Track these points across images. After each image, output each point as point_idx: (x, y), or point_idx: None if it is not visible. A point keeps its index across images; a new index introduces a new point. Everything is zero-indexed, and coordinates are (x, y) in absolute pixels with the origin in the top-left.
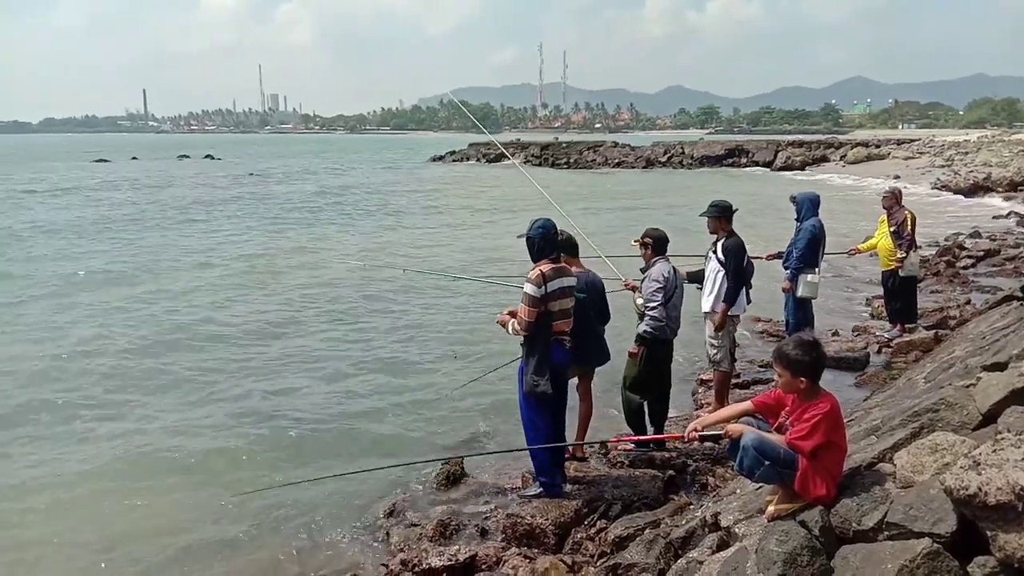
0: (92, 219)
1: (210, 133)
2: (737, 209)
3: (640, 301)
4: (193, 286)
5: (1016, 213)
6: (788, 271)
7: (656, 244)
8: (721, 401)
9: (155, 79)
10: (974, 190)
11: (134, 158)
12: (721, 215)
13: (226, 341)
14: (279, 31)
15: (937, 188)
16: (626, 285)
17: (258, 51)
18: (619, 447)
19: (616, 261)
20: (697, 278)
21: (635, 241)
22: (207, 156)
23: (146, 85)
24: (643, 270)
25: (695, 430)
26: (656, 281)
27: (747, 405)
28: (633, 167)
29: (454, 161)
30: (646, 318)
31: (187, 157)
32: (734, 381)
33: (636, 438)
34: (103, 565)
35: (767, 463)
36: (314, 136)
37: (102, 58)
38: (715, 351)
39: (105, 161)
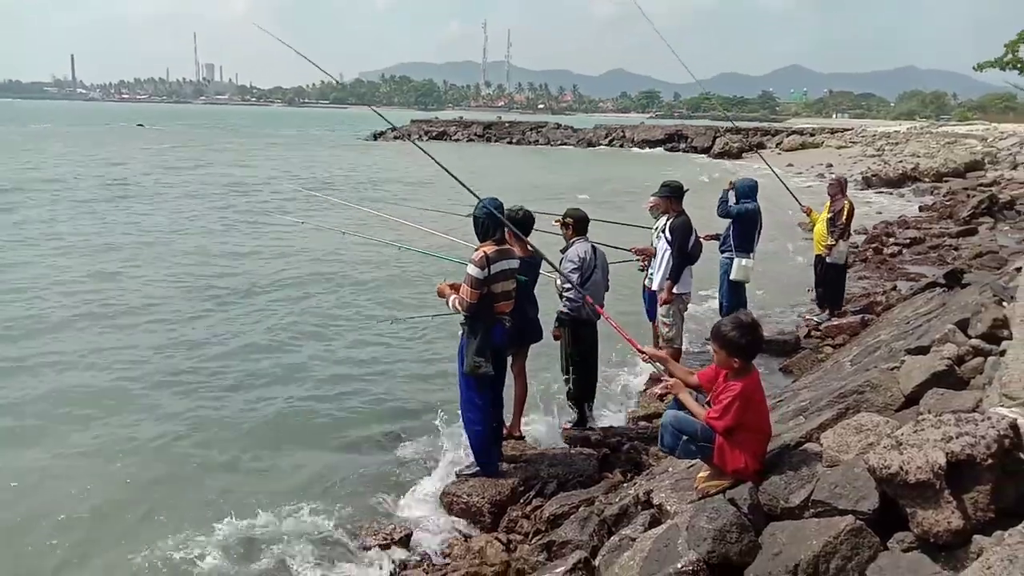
0: None
1: (142, 103)
2: (688, 189)
3: (559, 282)
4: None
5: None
6: (722, 254)
7: (576, 224)
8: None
9: (84, 45)
10: (903, 180)
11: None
12: (672, 195)
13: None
14: None
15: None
16: (633, 251)
17: (193, 18)
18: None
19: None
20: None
21: (556, 221)
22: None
23: (75, 50)
24: (563, 251)
25: (654, 355)
26: (572, 262)
27: (695, 379)
28: (575, 148)
29: (396, 138)
30: (563, 299)
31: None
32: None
33: (602, 311)
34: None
35: (685, 438)
36: (252, 109)
37: (26, 21)
38: (667, 329)
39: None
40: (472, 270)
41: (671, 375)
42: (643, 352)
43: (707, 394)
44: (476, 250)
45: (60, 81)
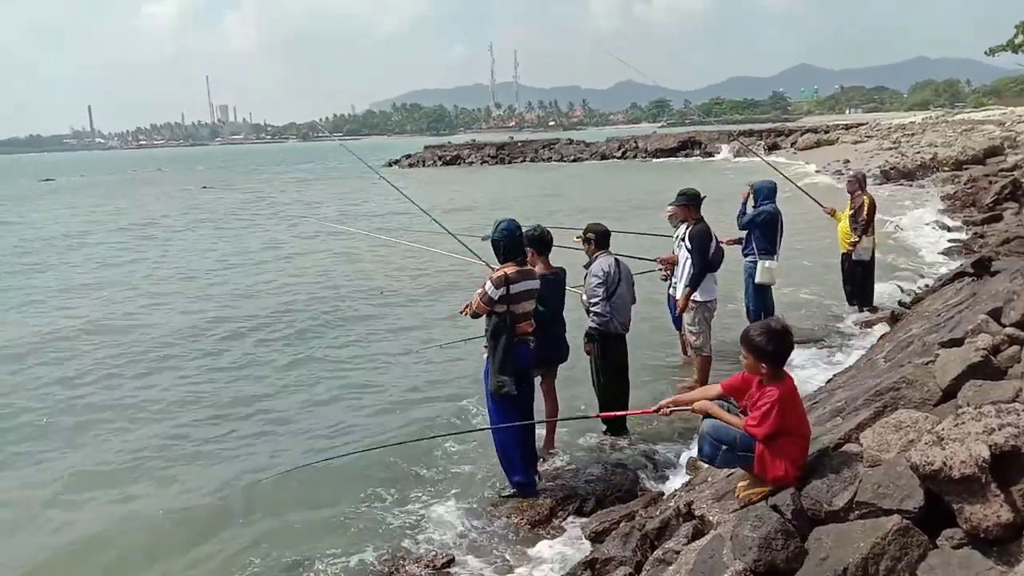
0: None
1: (159, 147)
2: (705, 196)
3: (584, 298)
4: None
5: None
6: (746, 257)
7: (598, 238)
8: (704, 384)
9: (100, 95)
10: (922, 171)
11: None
12: (689, 203)
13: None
14: (224, 39)
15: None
16: (657, 260)
17: (204, 61)
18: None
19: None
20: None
21: (577, 237)
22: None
23: (91, 101)
24: (586, 266)
25: (666, 405)
26: (596, 276)
27: (716, 388)
28: (590, 160)
29: (410, 165)
30: (591, 314)
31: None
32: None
33: (609, 414)
34: None
35: (724, 447)
36: (268, 146)
37: (44, 75)
38: (695, 337)
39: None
40: (488, 287)
41: (692, 403)
42: (657, 411)
43: (735, 402)
44: (496, 270)
45: (79, 132)
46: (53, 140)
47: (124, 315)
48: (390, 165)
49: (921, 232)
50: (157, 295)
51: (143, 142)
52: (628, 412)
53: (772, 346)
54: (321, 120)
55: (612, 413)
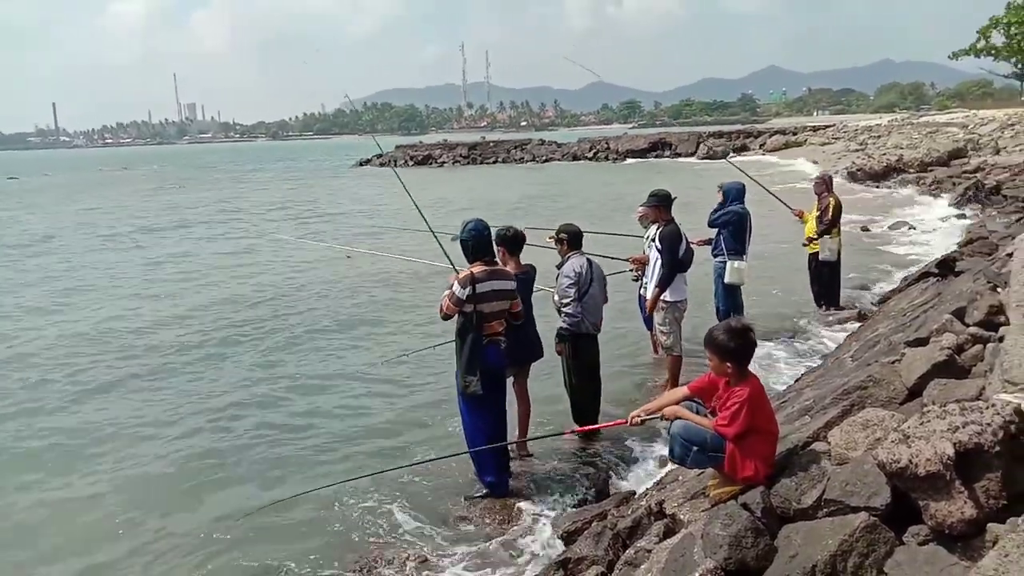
0: None
1: (126, 145)
2: (676, 197)
3: (556, 298)
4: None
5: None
6: (715, 258)
7: (571, 239)
8: (675, 384)
9: (66, 93)
10: (888, 172)
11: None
12: (660, 204)
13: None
14: (193, 38)
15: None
16: (630, 259)
17: (172, 59)
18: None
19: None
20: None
21: (550, 238)
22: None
23: (57, 100)
24: (559, 266)
25: (637, 415)
26: (568, 277)
27: (684, 391)
28: (562, 161)
29: (381, 165)
30: (562, 315)
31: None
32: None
33: (583, 428)
34: None
35: (695, 448)
36: (237, 145)
37: (7, 73)
38: (665, 337)
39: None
40: (455, 287)
41: (661, 409)
42: (629, 423)
43: (703, 403)
44: (463, 270)
45: (43, 130)
46: (16, 138)
47: (90, 327)
48: (361, 165)
49: (887, 233)
50: (118, 303)
51: (109, 140)
52: (601, 425)
53: (735, 343)
54: (291, 119)
55: (585, 427)
